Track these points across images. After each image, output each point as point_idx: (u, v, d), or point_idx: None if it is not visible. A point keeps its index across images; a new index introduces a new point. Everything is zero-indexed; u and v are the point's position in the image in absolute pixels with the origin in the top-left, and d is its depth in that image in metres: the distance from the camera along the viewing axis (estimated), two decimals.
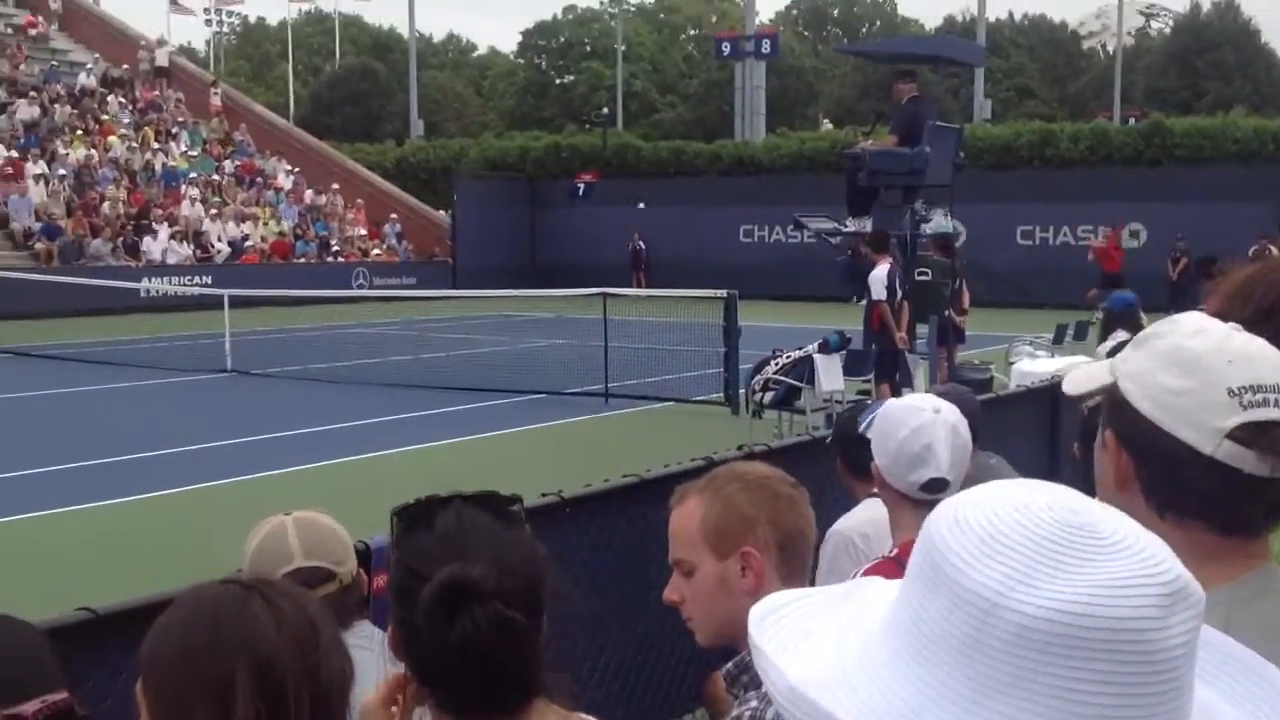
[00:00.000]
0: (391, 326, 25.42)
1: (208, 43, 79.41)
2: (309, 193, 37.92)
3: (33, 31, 40.21)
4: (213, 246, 32.66)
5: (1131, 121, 40.89)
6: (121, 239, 30.77)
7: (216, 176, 36.33)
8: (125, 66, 40.16)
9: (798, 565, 2.09)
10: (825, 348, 12.74)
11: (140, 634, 1.51)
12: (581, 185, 39.03)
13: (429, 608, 1.47)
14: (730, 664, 1.96)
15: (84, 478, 10.83)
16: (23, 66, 37.17)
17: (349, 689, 1.49)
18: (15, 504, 9.74)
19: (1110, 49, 69.03)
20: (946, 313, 13.95)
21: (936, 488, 2.71)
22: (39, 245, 29.32)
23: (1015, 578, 0.78)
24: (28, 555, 8.47)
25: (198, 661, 1.40)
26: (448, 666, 1.51)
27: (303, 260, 34.05)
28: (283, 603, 1.48)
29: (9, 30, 39.77)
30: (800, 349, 12.86)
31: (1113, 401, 1.36)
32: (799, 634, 0.88)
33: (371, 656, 1.99)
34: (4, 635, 1.74)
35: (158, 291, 27.52)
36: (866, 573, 2.59)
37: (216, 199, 34.98)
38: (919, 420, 2.76)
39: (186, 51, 60.73)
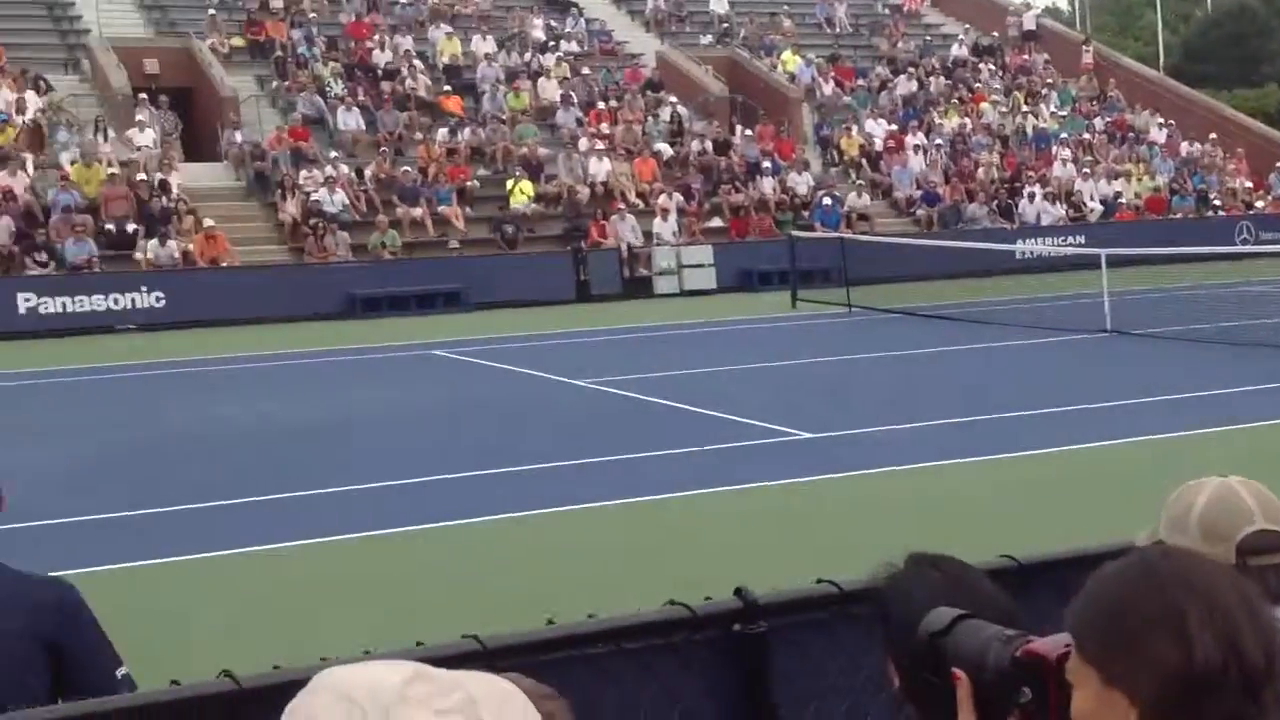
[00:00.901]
0: None
1: (1071, 1, 78.93)
2: (1184, 145, 36.16)
3: (907, 9, 42.57)
4: (1085, 206, 32.40)
5: None
6: (995, 202, 31.61)
7: (1087, 135, 35.97)
8: (994, 34, 41.13)
9: None
10: None
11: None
12: None
13: None
14: None
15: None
16: (900, 44, 39.48)
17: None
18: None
19: None
20: None
21: None
22: (920, 212, 31.04)
23: None
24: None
25: (1141, 602, 1.41)
26: None
27: (1179, 216, 32.59)
28: (1199, 557, 1.51)
29: (886, 11, 42.51)
30: None
31: None
32: None
33: None
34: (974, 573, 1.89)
35: (1031, 253, 27.99)
36: None
37: (1088, 158, 34.62)
38: None
39: (1051, 12, 60.82)
